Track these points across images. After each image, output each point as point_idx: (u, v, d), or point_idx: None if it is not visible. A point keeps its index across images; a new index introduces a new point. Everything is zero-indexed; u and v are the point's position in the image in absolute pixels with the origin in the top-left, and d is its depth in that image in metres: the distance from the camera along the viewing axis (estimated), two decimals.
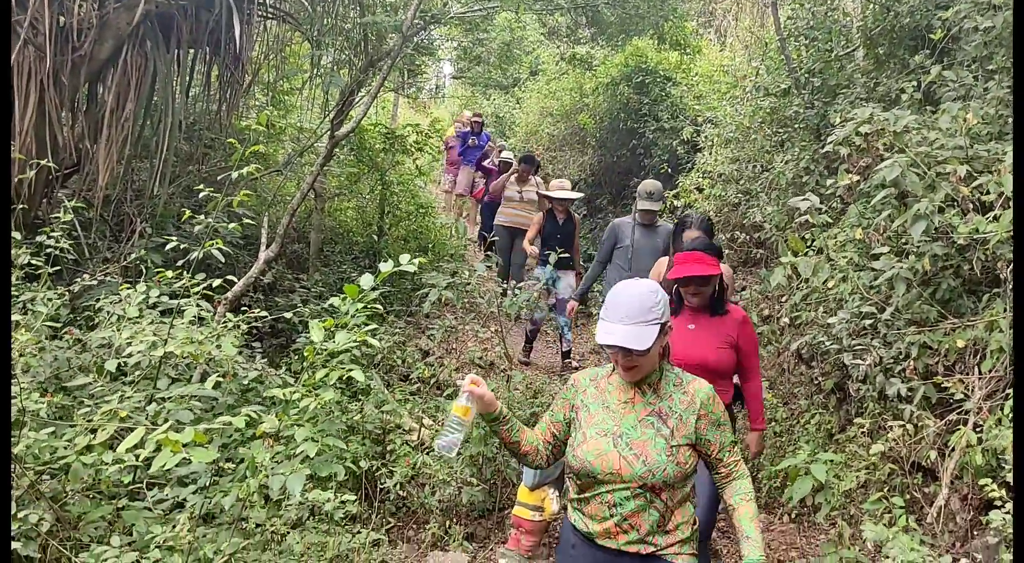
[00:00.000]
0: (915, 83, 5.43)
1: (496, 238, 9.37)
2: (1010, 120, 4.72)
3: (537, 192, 9.47)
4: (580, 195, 9.34)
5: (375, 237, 9.82)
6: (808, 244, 5.32)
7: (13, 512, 2.79)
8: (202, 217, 4.10)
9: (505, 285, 7.08)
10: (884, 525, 3.92)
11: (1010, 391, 3.92)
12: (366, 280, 3.64)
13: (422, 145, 9.94)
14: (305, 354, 3.57)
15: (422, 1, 7.71)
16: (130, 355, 3.69)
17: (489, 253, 9.55)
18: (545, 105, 14.79)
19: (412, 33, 7.96)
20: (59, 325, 4.32)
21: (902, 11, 6.38)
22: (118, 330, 3.96)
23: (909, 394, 4.46)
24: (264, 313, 4.87)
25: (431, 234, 10.95)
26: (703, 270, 3.75)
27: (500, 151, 12.59)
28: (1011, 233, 3.85)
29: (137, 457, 2.84)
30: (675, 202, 9.27)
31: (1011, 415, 3.78)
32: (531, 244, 8.01)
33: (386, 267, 3.54)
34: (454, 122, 14.89)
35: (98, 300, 4.51)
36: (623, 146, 12.37)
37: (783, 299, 6.25)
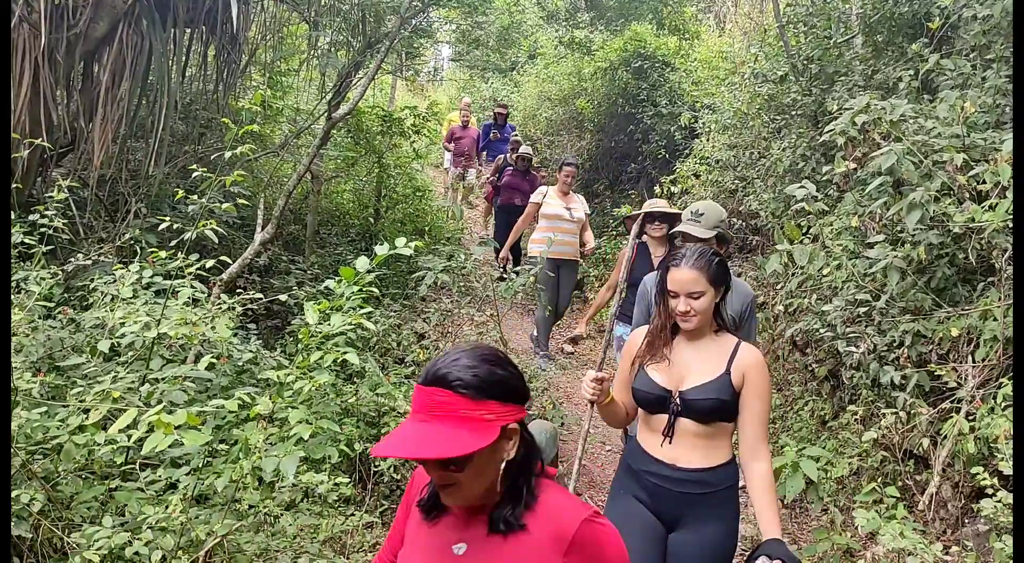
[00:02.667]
0: (913, 71, 5.41)
1: (533, 266, 6.98)
2: (1008, 109, 4.71)
3: (585, 211, 7.65)
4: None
5: (371, 219, 9.80)
6: (804, 231, 5.32)
7: None
8: (195, 197, 4.08)
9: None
10: (876, 512, 3.94)
11: (1003, 380, 3.94)
12: (362, 263, 3.63)
13: (420, 128, 9.90)
14: (300, 336, 3.57)
15: None
16: (123, 335, 3.68)
17: (509, 271, 7.94)
18: (543, 89, 14.74)
19: (410, 15, 7.93)
20: (52, 304, 4.31)
21: None
22: (111, 310, 3.95)
23: (902, 382, 4.47)
24: (259, 295, 4.86)
25: (428, 217, 10.93)
26: (427, 450, 1.44)
27: (517, 146, 10.67)
28: (1007, 223, 3.86)
29: (130, 438, 2.84)
30: (672, 188, 9.25)
31: (1004, 404, 3.80)
32: (616, 291, 5.00)
33: (382, 250, 3.54)
34: (460, 110, 13.38)
35: (92, 280, 4.50)
36: (621, 131, 12.34)
37: (778, 286, 6.25)
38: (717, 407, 2.62)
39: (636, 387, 2.76)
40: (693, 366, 2.69)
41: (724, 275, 2.71)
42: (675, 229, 4.06)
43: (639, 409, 2.80)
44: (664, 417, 2.70)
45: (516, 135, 11.69)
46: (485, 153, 12.03)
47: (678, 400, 2.67)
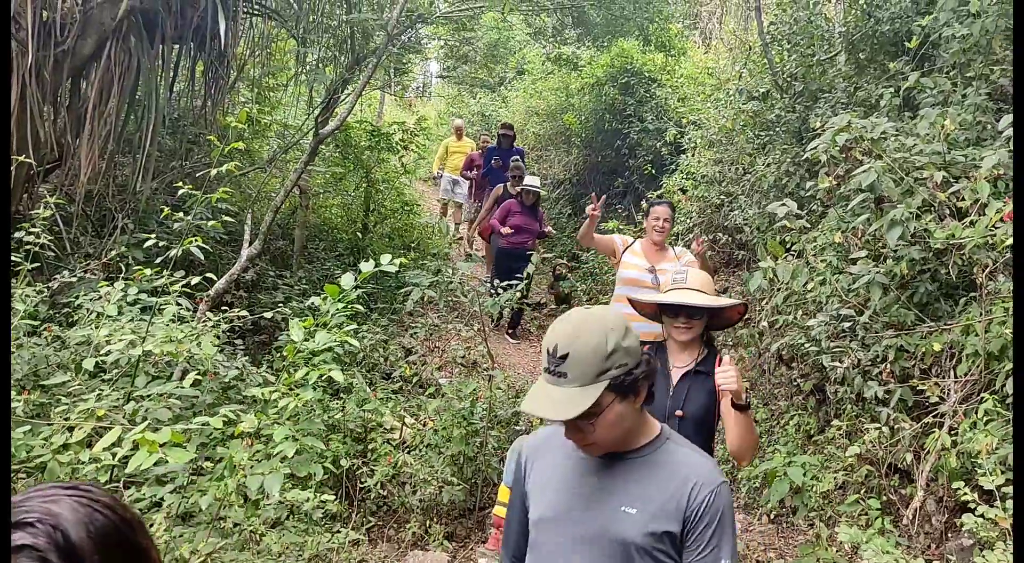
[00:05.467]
0: (894, 89, 5.48)
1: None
2: (988, 127, 4.77)
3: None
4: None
5: (360, 234, 9.81)
6: (788, 247, 5.36)
7: None
8: (180, 214, 4.09)
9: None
10: (860, 527, 3.96)
11: (985, 395, 3.97)
12: (347, 280, 3.65)
13: (408, 143, 9.93)
14: (286, 353, 3.58)
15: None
16: (109, 353, 3.68)
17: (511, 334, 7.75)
18: (531, 104, 14.83)
19: (398, 32, 7.97)
20: (38, 322, 4.30)
21: (883, 17, 6.44)
22: (97, 327, 3.95)
23: (886, 397, 4.50)
24: (245, 312, 4.86)
25: (416, 232, 10.95)
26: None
27: (518, 177, 9.09)
28: (987, 239, 3.90)
29: (114, 456, 2.84)
30: None
31: (985, 418, 3.83)
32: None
33: (367, 267, 3.55)
34: (479, 138, 12.57)
35: (77, 297, 4.49)
36: (608, 146, 12.41)
37: (764, 302, 6.29)
38: None
39: None
40: None
41: None
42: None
43: None
44: None
45: (516, 160, 9.77)
46: (488, 181, 10.65)
47: None
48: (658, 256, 5.10)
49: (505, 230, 8.41)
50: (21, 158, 5.02)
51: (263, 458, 3.17)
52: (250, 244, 6.89)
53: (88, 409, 3.22)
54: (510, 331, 8.94)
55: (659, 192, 9.44)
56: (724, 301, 3.20)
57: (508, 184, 9.33)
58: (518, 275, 6.84)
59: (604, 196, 5.60)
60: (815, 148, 4.88)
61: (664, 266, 4.98)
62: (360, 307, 3.75)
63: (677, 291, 3.19)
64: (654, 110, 11.70)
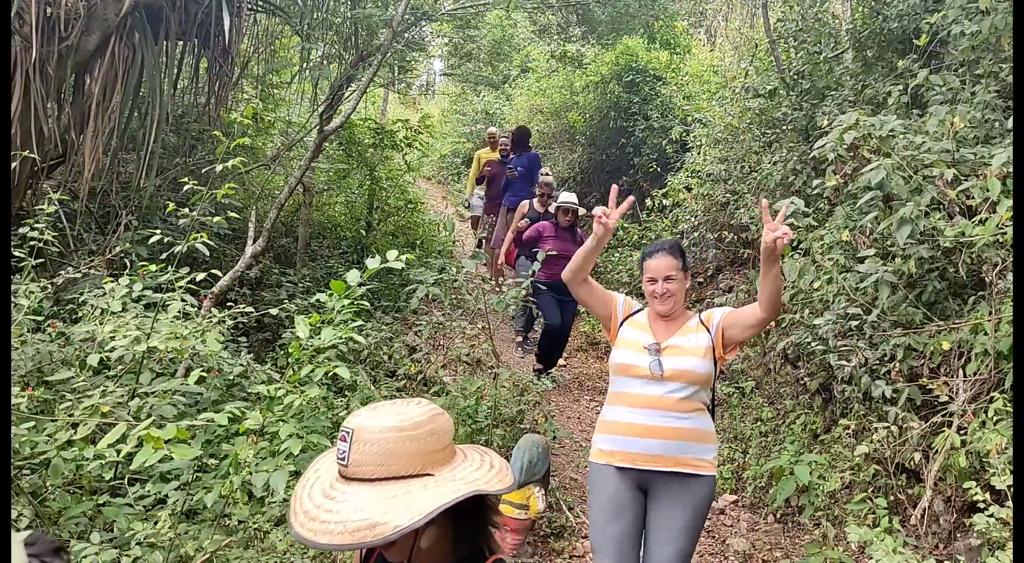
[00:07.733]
0: (902, 86, 5.45)
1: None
2: (996, 124, 4.74)
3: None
4: None
5: (363, 232, 9.80)
6: (794, 246, 5.33)
7: None
8: (186, 210, 4.07)
9: None
10: (868, 526, 3.94)
11: (994, 394, 3.95)
12: (353, 276, 3.62)
13: (411, 141, 9.92)
14: (291, 350, 3.56)
15: None
16: (113, 349, 3.66)
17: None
18: (535, 102, 14.80)
19: (403, 29, 7.94)
20: (42, 318, 4.29)
21: (891, 15, 6.41)
22: (101, 324, 3.93)
23: (894, 396, 4.48)
24: (250, 308, 4.84)
25: (420, 229, 10.94)
26: None
27: (546, 195, 8.13)
28: (997, 237, 3.87)
29: (119, 452, 2.82)
30: (664, 201, 9.29)
31: (995, 418, 3.80)
32: None
33: (373, 263, 3.53)
34: (498, 140, 10.99)
35: (82, 293, 4.48)
36: (613, 144, 12.39)
37: None
38: None
39: None
40: None
41: None
42: None
43: None
44: None
45: (546, 173, 8.85)
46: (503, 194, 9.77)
47: None
48: (669, 327, 3.36)
49: (522, 223, 7.48)
50: (25, 153, 5.00)
51: (268, 455, 3.15)
52: (254, 241, 6.87)
53: (92, 405, 3.20)
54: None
55: (664, 190, 9.40)
56: (392, 527, 1.38)
57: (536, 201, 8.22)
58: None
59: (632, 197, 3.84)
60: (822, 146, 4.85)
61: (677, 342, 3.28)
62: (366, 304, 3.72)
63: (312, 511, 1.47)
64: (659, 108, 11.68)
